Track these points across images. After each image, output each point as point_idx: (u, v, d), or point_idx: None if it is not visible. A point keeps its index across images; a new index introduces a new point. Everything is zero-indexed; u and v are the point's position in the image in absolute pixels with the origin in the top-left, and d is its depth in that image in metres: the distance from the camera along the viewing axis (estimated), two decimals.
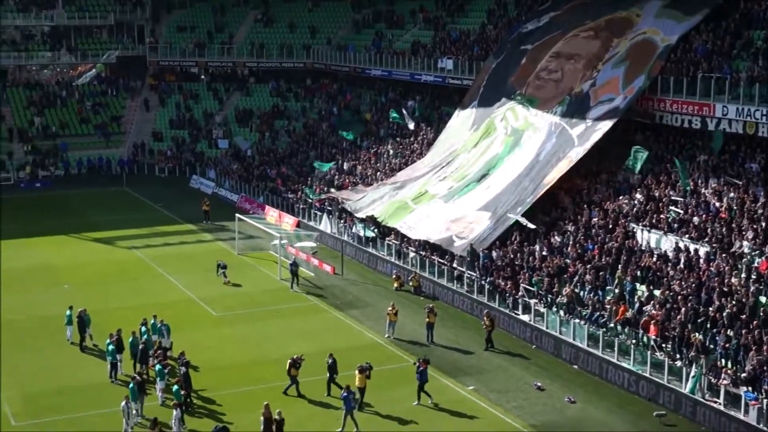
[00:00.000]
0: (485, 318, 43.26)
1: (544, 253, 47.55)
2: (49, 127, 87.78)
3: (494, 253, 49.11)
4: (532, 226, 48.82)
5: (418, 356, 41.19)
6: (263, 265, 56.46)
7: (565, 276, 44.87)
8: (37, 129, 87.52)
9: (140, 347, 38.65)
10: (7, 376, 38.87)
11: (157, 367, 36.49)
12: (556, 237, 48.43)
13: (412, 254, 53.79)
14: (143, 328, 40.41)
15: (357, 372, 35.87)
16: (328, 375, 37.19)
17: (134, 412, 34.26)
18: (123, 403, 33.32)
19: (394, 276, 52.68)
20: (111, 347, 38.37)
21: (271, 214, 65.77)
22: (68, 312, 42.90)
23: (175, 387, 34.82)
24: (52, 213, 70.96)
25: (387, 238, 56.61)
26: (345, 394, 33.92)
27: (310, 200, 65.27)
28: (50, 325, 44.79)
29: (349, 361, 37.78)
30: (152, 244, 61.40)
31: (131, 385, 34.78)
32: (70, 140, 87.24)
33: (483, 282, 47.50)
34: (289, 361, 37.19)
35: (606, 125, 51.69)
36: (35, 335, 43.90)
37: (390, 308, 44.29)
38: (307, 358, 39.10)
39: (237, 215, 61.19)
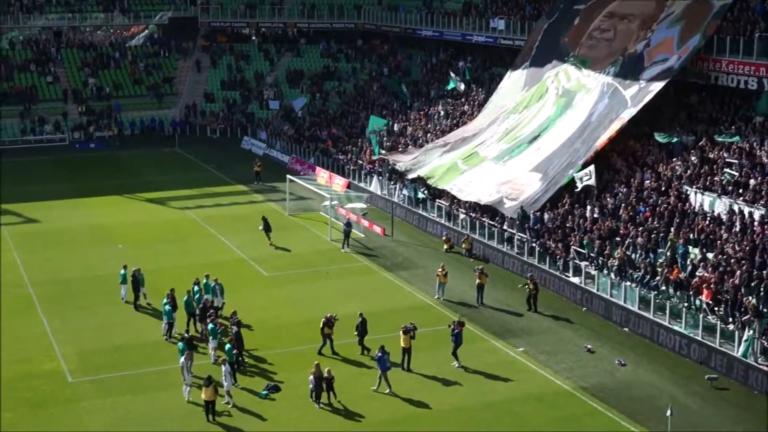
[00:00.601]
0: (528, 281, 43.18)
1: (595, 215, 47.22)
2: (103, 88, 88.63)
3: (545, 215, 48.89)
4: (592, 182, 48.20)
5: (469, 318, 41.33)
6: (314, 226, 56.75)
7: (617, 238, 44.56)
8: (91, 90, 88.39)
9: (201, 306, 39.12)
10: (63, 333, 39.65)
11: (210, 326, 36.95)
12: (607, 199, 48.04)
13: (462, 216, 53.72)
14: (195, 288, 40.90)
15: (401, 333, 36.02)
16: (357, 335, 37.47)
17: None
18: (182, 359, 33.89)
19: (444, 237, 52.68)
20: (167, 307, 38.87)
21: (322, 175, 65.97)
22: (122, 271, 43.54)
23: (228, 346, 35.26)
24: (106, 173, 71.84)
25: (437, 200, 56.57)
26: (380, 354, 34.11)
27: (375, 158, 65.03)
28: (105, 284, 45.51)
29: (398, 322, 37.94)
30: (204, 205, 61.96)
31: (179, 343, 35.31)
32: (124, 101, 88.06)
33: (533, 244, 47.35)
34: (322, 320, 37.49)
35: (659, 86, 51.01)
36: (90, 294, 44.64)
37: (440, 269, 44.36)
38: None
39: (288, 176, 61.48)
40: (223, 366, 33.20)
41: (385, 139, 69.07)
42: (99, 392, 34.06)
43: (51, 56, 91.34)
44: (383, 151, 65.54)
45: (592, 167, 48.50)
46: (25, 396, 33.74)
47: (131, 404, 33.10)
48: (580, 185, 48.68)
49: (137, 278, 42.60)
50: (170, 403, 33.12)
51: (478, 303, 43.30)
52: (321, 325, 37.31)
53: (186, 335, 36.09)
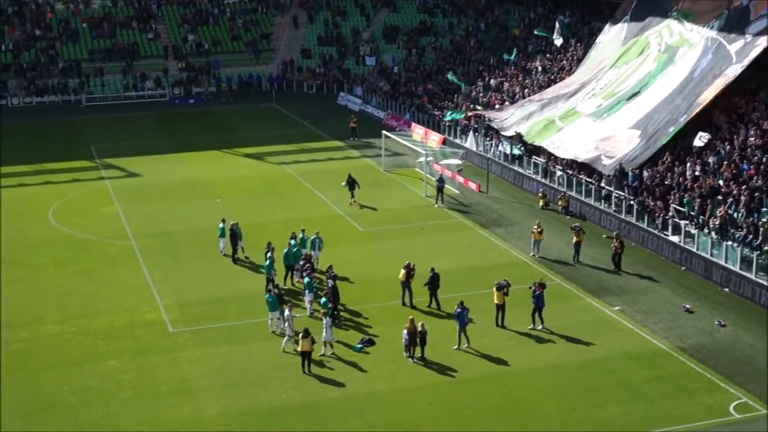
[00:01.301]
0: (614, 239, 42.53)
1: (696, 173, 46.21)
2: (202, 44, 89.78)
3: (644, 173, 48.05)
4: (702, 142, 47.11)
5: (565, 276, 41.04)
6: (409, 182, 56.81)
7: (718, 197, 43.56)
8: (191, 46, 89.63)
9: (302, 261, 39.50)
10: (164, 284, 40.64)
11: (306, 280, 37.41)
12: (709, 156, 46.94)
13: (558, 173, 53.15)
14: (293, 242, 41.38)
15: (495, 289, 35.94)
16: (428, 289, 37.55)
17: (276, 321, 35.39)
18: (287, 311, 34.45)
19: (540, 194, 52.24)
20: (268, 262, 39.36)
21: (417, 131, 65.87)
22: (221, 225, 44.29)
23: (323, 299, 35.69)
24: (205, 129, 72.97)
25: (533, 157, 56.05)
26: (459, 310, 34.11)
27: (447, 122, 64.80)
28: (204, 238, 46.40)
29: (492, 278, 37.86)
30: (300, 160, 62.51)
31: (267, 296, 35.79)
32: (222, 57, 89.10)
33: (631, 202, 46.63)
34: (403, 270, 37.68)
35: (766, 40, 49.37)
36: (190, 247, 45.59)
37: (535, 227, 44.03)
38: (451, 274, 39.48)
39: (383, 132, 61.58)
40: (324, 318, 33.67)
41: (480, 95, 68.53)
42: (198, 343, 34.89)
43: (152, 13, 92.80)
44: (480, 108, 65.04)
45: (706, 135, 47.30)
46: (128, 345, 34.77)
47: (228, 355, 33.83)
48: (698, 142, 47.46)
49: (235, 232, 43.29)
50: (267, 354, 33.75)
51: (575, 261, 42.91)
52: (402, 275, 37.60)
53: (276, 290, 36.59)
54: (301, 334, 32.42)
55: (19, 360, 33.54)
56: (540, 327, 35.62)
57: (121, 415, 29.60)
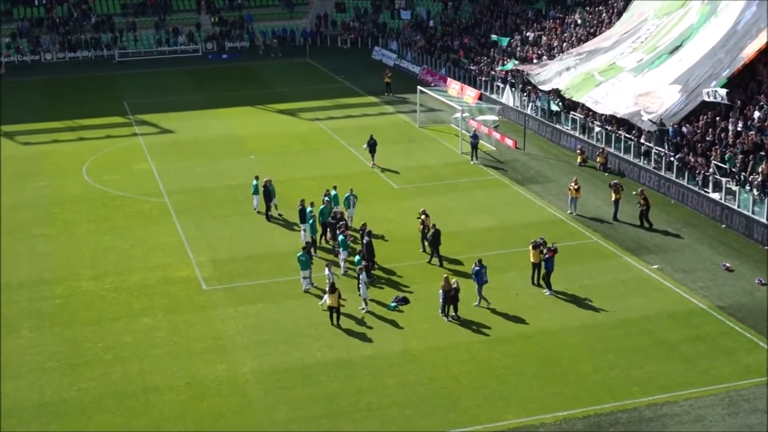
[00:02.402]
0: (639, 197, 42.20)
1: (738, 128, 45.62)
2: None
3: (684, 129, 47.52)
4: (717, 98, 46.62)
5: (603, 234, 40.83)
6: (444, 138, 56.60)
7: (761, 153, 43.00)
8: (224, 1, 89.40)
9: (332, 219, 39.52)
10: (198, 241, 40.93)
11: (340, 237, 37.49)
12: (752, 112, 46.28)
13: (597, 129, 52.71)
14: (326, 198, 41.44)
15: (531, 248, 35.82)
16: (430, 245, 37.75)
17: (307, 280, 35.65)
18: (326, 270, 34.63)
19: (577, 151, 51.86)
20: (311, 221, 39.26)
21: (453, 86, 65.49)
22: (254, 182, 44.45)
23: (357, 257, 35.77)
24: (238, 84, 73.01)
25: (572, 112, 55.58)
26: (477, 268, 34.06)
27: (505, 71, 64.17)
28: (237, 194, 46.60)
29: (529, 236, 37.75)
30: (334, 116, 62.45)
31: (300, 254, 35.88)
32: (255, 12, 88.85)
33: (671, 158, 46.18)
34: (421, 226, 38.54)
35: None
36: (224, 204, 45.81)
37: (572, 184, 43.75)
38: (486, 232, 39.41)
39: (419, 87, 61.28)
40: (360, 274, 33.80)
41: (518, 49, 67.91)
42: (231, 300, 35.17)
43: None
44: (517, 62, 64.49)
45: (724, 91, 46.66)
46: (162, 302, 35.11)
47: (262, 312, 34.08)
48: (708, 98, 47.00)
49: (269, 189, 43.38)
50: (300, 312, 33.95)
51: (614, 219, 42.63)
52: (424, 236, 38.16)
53: (307, 246, 36.74)
54: (327, 289, 32.65)
55: (55, 316, 33.99)
56: (547, 293, 35.25)
57: (156, 372, 29.96)
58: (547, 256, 35.22)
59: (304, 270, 35.53)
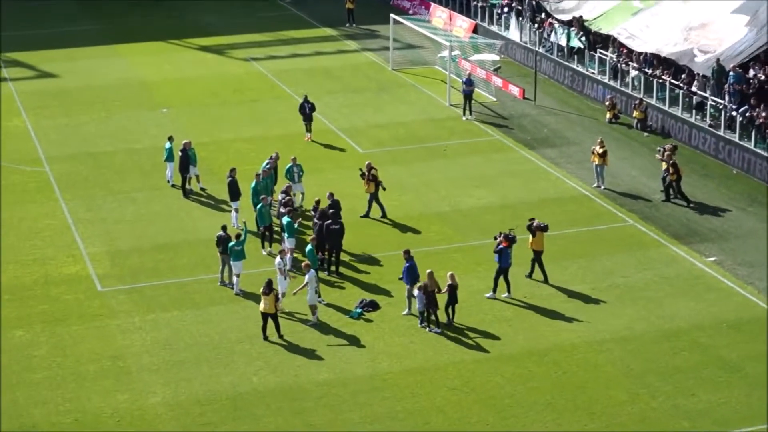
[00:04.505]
0: (664, 158, 42.44)
1: None
2: None
3: (751, 72, 47.75)
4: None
5: (638, 214, 41.02)
6: (426, 85, 56.56)
7: None
8: None
9: (282, 194, 39.37)
10: (90, 226, 40.67)
11: (285, 219, 37.34)
12: None
13: (633, 73, 52.83)
14: (266, 166, 41.21)
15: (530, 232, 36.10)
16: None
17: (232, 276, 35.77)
18: (278, 259, 34.63)
19: (607, 103, 52.01)
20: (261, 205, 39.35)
21: (439, 14, 65.42)
22: (168, 144, 44.16)
23: (309, 246, 35.64)
24: (146, 11, 72.59)
25: (600, 50, 55.68)
26: (500, 246, 34.34)
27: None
28: (143, 162, 46.39)
29: (542, 218, 37.72)
30: (277, 55, 62.31)
31: (234, 243, 35.61)
32: None
33: (733, 112, 46.43)
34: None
35: None
36: (125, 175, 45.56)
37: (597, 147, 43.82)
38: (484, 213, 39.44)
39: (392, 16, 61.09)
40: (307, 273, 33.66)
41: None
42: (136, 306, 34.99)
43: None
44: None
45: None
46: (41, 308, 34.82)
47: (178, 322, 33.92)
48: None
49: (187, 154, 43.14)
50: (231, 321, 33.86)
51: (676, 195, 42.51)
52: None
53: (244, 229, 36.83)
54: (261, 290, 32.59)
55: None
56: (504, 295, 35.19)
57: (32, 404, 29.72)
58: (500, 246, 34.92)
59: (236, 261, 35.46)
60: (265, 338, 32.74)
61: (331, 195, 38.47)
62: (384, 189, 40.69)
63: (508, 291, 35.16)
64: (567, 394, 30.12)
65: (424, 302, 33.04)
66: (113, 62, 61.36)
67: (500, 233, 35.29)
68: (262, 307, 32.60)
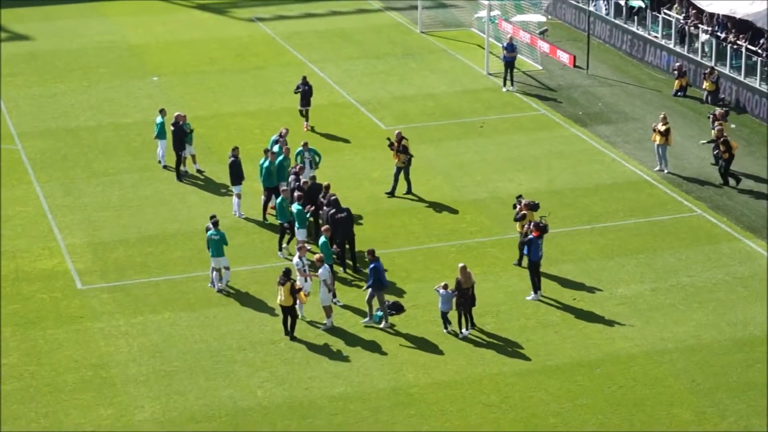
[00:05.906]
0: (716, 135, 42.51)
1: None
2: None
3: None
4: None
5: (706, 202, 41.03)
6: (460, 50, 56.62)
7: None
8: None
9: (291, 178, 39.49)
10: (69, 214, 40.89)
11: (295, 206, 37.41)
12: None
13: (704, 37, 52.75)
14: (276, 147, 41.35)
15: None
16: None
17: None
18: (296, 258, 34.80)
19: (673, 71, 51.94)
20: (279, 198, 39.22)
21: None
22: (159, 119, 44.32)
23: (323, 238, 35.74)
24: None
25: (664, 10, 55.57)
26: (531, 236, 34.50)
27: None
28: (131, 139, 46.62)
29: (596, 207, 37.81)
30: (286, 15, 62.45)
31: (213, 231, 35.74)
32: None
33: None
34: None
35: None
36: (109, 154, 45.80)
37: (659, 124, 43.79)
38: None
39: None
40: (320, 269, 33.82)
41: None
42: (121, 306, 35.19)
43: None
44: None
45: None
46: (11, 309, 35.02)
47: (169, 326, 34.15)
48: None
49: (182, 130, 43.30)
50: (230, 325, 34.06)
51: (724, 181, 42.66)
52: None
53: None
54: (277, 281, 32.80)
55: None
56: (530, 297, 35.35)
57: (2, 419, 29.85)
58: (530, 236, 35.10)
59: (216, 256, 35.70)
60: (288, 335, 32.99)
61: (313, 178, 38.96)
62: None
63: (536, 290, 35.26)
64: (622, 412, 30.19)
65: (451, 302, 33.14)
66: (96, 22, 61.61)
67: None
68: (279, 299, 32.89)
